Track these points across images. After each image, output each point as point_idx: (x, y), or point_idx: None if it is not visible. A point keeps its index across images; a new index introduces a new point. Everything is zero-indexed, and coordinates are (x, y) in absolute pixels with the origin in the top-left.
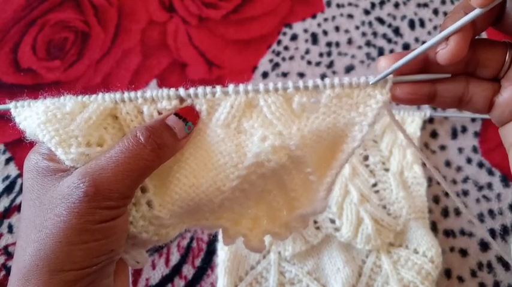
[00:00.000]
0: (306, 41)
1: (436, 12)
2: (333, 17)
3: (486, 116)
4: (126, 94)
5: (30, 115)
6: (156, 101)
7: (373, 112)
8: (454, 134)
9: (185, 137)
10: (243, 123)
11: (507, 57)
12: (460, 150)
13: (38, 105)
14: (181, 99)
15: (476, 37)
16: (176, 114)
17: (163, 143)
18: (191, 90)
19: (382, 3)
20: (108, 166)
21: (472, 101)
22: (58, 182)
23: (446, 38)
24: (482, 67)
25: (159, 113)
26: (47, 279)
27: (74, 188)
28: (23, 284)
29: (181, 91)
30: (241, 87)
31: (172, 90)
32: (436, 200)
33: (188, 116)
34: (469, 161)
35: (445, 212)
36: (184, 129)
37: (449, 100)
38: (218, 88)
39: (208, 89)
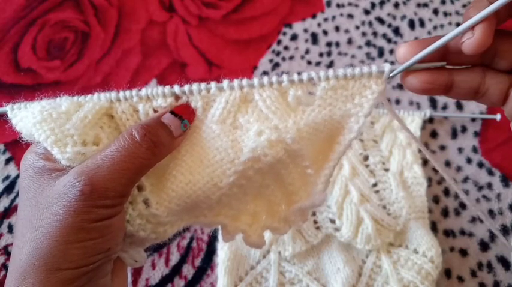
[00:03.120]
0: (306, 41)
1: (436, 12)
2: (333, 17)
3: (486, 116)
4: (121, 93)
5: (26, 116)
6: (151, 99)
7: (369, 103)
8: (454, 134)
9: (181, 135)
10: (239, 119)
11: None
12: (460, 150)
13: (34, 106)
14: (177, 97)
15: None
16: (172, 112)
17: (159, 141)
18: (186, 88)
19: (382, 3)
20: (104, 165)
21: (487, 93)
22: (54, 181)
23: (472, 28)
24: (500, 58)
25: (155, 111)
26: (44, 278)
27: (70, 187)
28: (20, 284)
29: (176, 88)
30: (235, 82)
31: (167, 88)
32: (436, 200)
33: (184, 113)
34: (469, 161)
35: (445, 212)
36: (180, 127)
37: (465, 91)
38: (213, 84)
39: (203, 85)
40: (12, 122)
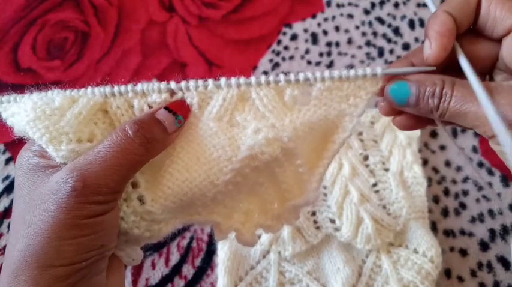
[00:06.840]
0: (306, 41)
1: None
2: (333, 17)
3: None
4: (116, 88)
5: (18, 112)
6: (146, 94)
7: (363, 103)
8: (454, 134)
9: (175, 131)
10: (236, 117)
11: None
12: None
13: (25, 101)
14: (172, 93)
15: None
16: (166, 108)
17: (153, 137)
18: (182, 84)
19: (382, 3)
20: (96, 161)
21: None
22: (48, 178)
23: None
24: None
25: (150, 107)
26: (37, 275)
27: (62, 183)
28: (12, 281)
29: (172, 84)
30: (233, 80)
31: (163, 84)
32: (436, 200)
33: (179, 109)
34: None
35: (445, 212)
36: (174, 123)
37: None
38: (210, 81)
39: (200, 82)
40: (1, 116)
